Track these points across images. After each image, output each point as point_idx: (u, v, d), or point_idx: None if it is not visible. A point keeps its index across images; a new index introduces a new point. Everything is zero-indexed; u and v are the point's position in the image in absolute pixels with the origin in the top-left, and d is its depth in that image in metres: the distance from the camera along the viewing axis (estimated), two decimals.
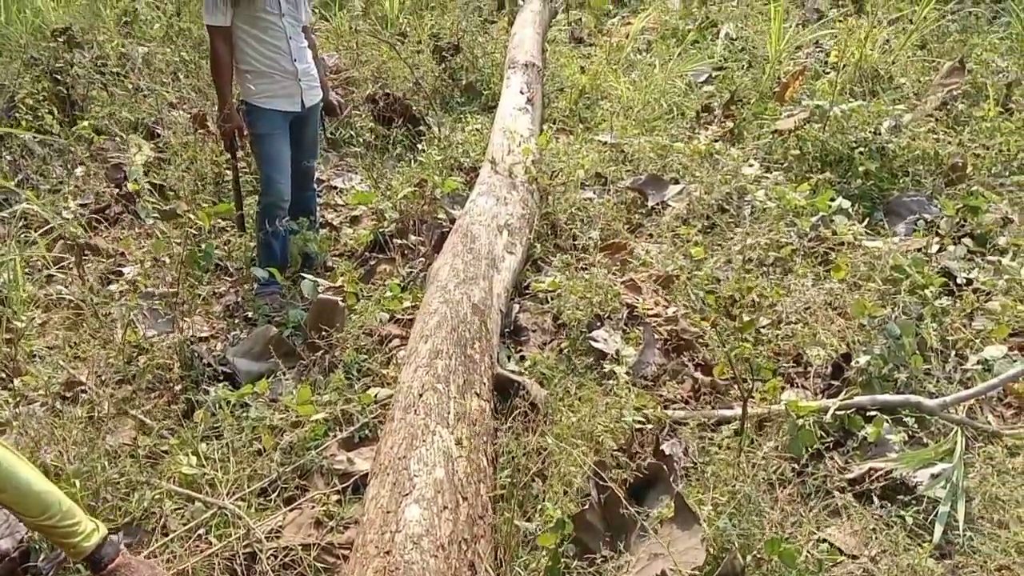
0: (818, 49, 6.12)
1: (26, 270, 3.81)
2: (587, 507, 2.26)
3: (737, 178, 4.08)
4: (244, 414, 2.80)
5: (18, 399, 2.92)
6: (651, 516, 2.31)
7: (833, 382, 2.86)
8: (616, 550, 2.22)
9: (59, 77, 5.63)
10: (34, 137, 5.09)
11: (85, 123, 4.76)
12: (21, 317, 3.13)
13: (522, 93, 5.41)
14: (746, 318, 2.61)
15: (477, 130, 5.51)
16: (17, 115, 5.22)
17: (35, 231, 4.12)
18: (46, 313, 3.63)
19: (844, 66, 5.20)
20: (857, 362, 2.80)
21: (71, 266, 3.67)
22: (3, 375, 3.10)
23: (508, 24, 7.28)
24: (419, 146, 5.29)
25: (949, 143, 4.29)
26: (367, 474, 2.50)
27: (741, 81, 5.62)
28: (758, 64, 5.89)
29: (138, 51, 6.57)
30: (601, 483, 2.32)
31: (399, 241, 4.21)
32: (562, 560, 2.18)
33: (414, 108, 5.72)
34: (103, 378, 3.08)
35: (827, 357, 2.91)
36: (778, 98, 5.22)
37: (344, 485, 2.57)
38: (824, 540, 2.30)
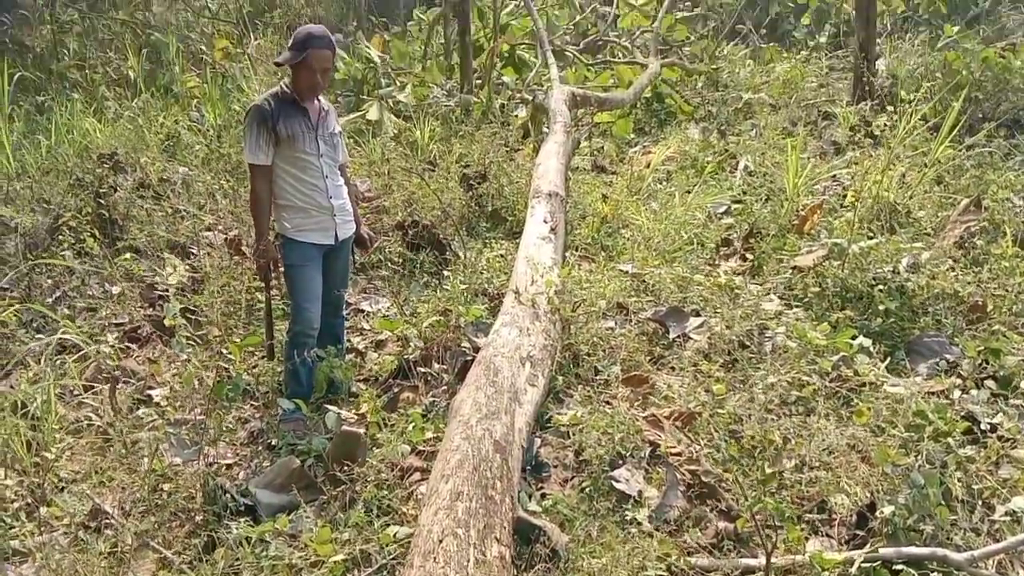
0: (835, 183, 6.28)
1: (58, 391, 3.90)
2: None
3: (757, 314, 4.14)
4: (264, 552, 2.80)
5: (42, 529, 2.95)
6: None
7: (858, 532, 2.82)
8: None
9: (102, 200, 5.89)
10: (74, 257, 5.29)
11: (127, 256, 4.97)
12: (51, 448, 3.19)
13: (545, 222, 5.55)
14: (768, 469, 2.61)
15: (501, 256, 5.65)
16: (60, 236, 5.44)
17: (69, 351, 4.24)
18: (74, 437, 3.68)
19: (861, 202, 5.32)
20: (882, 512, 2.77)
21: (102, 391, 3.76)
22: (29, 502, 3.13)
23: (533, 152, 7.55)
24: (445, 272, 5.42)
25: (968, 282, 4.34)
26: None
27: (760, 213, 5.75)
28: (776, 197, 6.04)
29: (178, 172, 6.89)
30: None
31: (423, 369, 4.27)
32: None
33: (441, 235, 5.89)
34: (127, 507, 3.11)
35: (851, 506, 2.89)
36: (797, 231, 5.34)
37: None
38: None
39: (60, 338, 3.97)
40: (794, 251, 5.00)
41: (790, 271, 4.75)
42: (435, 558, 2.40)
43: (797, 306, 4.37)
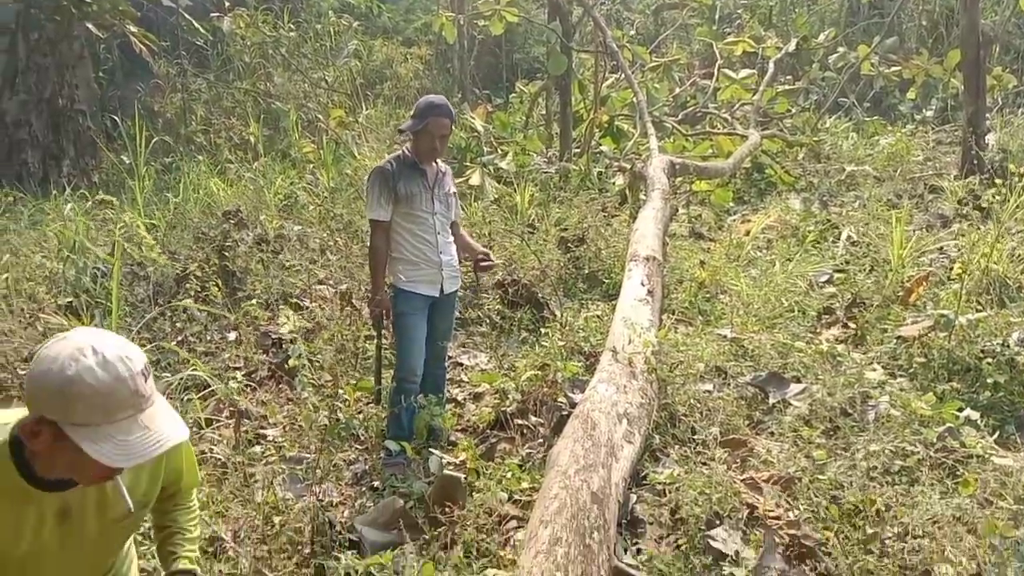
0: (942, 255, 6.16)
1: None
2: None
3: (860, 382, 4.09)
4: None
5: None
6: None
7: None
8: None
9: (226, 253, 6.30)
10: (197, 307, 5.66)
11: (254, 302, 5.31)
12: None
13: (643, 285, 5.63)
14: (870, 530, 2.59)
15: (598, 317, 5.75)
16: (188, 285, 5.85)
17: (191, 390, 4.54)
18: None
19: (969, 274, 5.22)
20: None
21: (225, 425, 4.01)
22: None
23: (630, 218, 7.68)
24: (542, 330, 5.55)
25: None
26: None
27: (863, 284, 5.69)
28: (880, 268, 5.97)
29: (293, 230, 7.30)
30: None
31: (519, 421, 4.38)
32: None
33: (539, 295, 6.04)
34: (241, 535, 3.30)
35: None
36: (902, 302, 5.26)
37: None
38: None
39: (187, 376, 4.27)
40: (899, 322, 4.93)
41: (894, 341, 4.69)
42: None
43: (901, 376, 4.30)
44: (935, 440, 3.55)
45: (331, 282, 6.36)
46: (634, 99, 9.79)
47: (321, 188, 8.68)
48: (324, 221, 7.55)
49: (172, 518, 2.08)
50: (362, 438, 4.25)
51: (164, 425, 1.61)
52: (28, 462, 1.63)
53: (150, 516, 2.09)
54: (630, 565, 3.01)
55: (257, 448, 3.87)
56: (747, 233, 7.25)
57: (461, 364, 5.49)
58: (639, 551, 3.22)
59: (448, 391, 4.80)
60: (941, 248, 6.27)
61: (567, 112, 9.88)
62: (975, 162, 8.27)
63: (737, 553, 3.08)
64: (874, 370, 4.29)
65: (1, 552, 1.66)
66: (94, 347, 1.55)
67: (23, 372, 4.37)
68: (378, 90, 13.79)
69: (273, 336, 5.53)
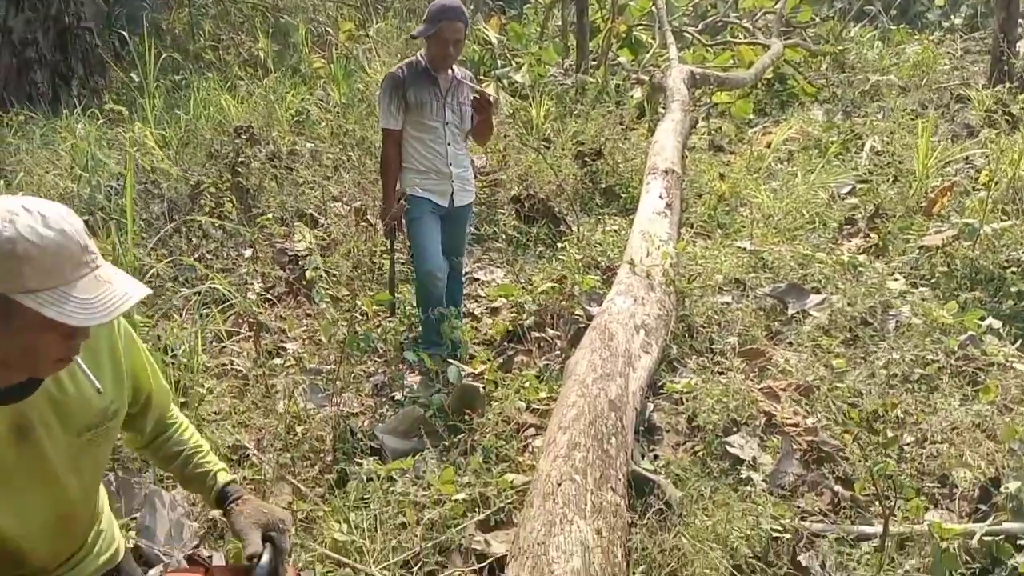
0: (968, 165, 6.03)
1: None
2: None
3: (881, 292, 4.05)
4: (391, 488, 2.97)
5: None
6: None
7: (980, 506, 2.76)
8: None
9: (239, 170, 6.24)
10: (212, 222, 5.64)
11: (269, 215, 5.28)
12: (200, 386, 3.47)
13: (661, 198, 5.55)
14: (890, 434, 2.60)
15: (615, 231, 5.69)
16: (202, 202, 5.82)
17: (209, 305, 4.56)
18: (216, 380, 3.97)
19: (996, 183, 5.11)
20: (1007, 487, 2.70)
21: (245, 339, 4.04)
22: None
23: (648, 132, 7.53)
24: (559, 244, 5.52)
25: None
26: (502, 557, 2.60)
27: (886, 194, 5.59)
28: (904, 178, 5.85)
29: (306, 147, 7.22)
30: None
31: (537, 334, 4.38)
32: None
33: (556, 209, 5.98)
34: (264, 444, 3.35)
35: (974, 480, 2.83)
36: (925, 213, 5.17)
37: (481, 565, 2.68)
38: None
39: (205, 290, 4.28)
40: (922, 232, 4.86)
41: (917, 251, 4.62)
42: (554, 499, 2.50)
43: (923, 286, 4.26)
44: (956, 348, 3.53)
45: (345, 199, 6.31)
46: (653, 8, 9.49)
47: (332, 104, 8.54)
48: (336, 137, 7.45)
49: (176, 441, 1.89)
50: (381, 351, 4.27)
51: (124, 282, 1.46)
52: None
53: (153, 459, 1.93)
54: (647, 469, 3.05)
55: (277, 360, 3.91)
56: (768, 145, 7.10)
57: (477, 279, 5.48)
58: (656, 457, 3.25)
59: (465, 306, 4.80)
60: (967, 158, 6.13)
61: (583, 22, 9.58)
62: (1005, 70, 8.02)
63: (754, 459, 3.10)
64: (896, 280, 4.24)
65: None
66: (25, 206, 1.37)
67: None
68: (388, 2, 13.42)
69: (289, 253, 5.51)
